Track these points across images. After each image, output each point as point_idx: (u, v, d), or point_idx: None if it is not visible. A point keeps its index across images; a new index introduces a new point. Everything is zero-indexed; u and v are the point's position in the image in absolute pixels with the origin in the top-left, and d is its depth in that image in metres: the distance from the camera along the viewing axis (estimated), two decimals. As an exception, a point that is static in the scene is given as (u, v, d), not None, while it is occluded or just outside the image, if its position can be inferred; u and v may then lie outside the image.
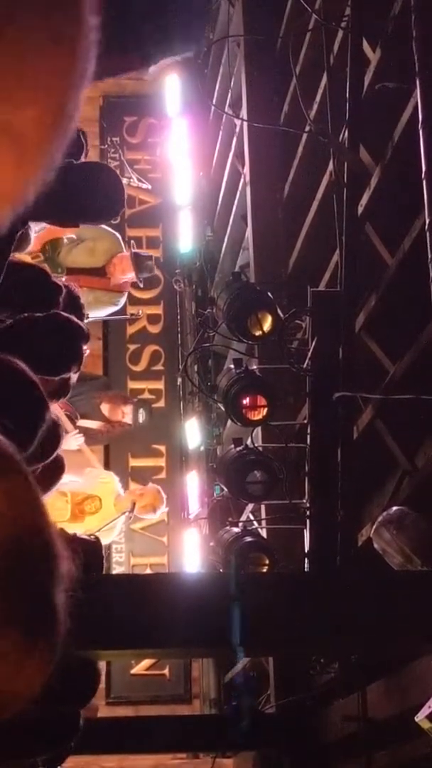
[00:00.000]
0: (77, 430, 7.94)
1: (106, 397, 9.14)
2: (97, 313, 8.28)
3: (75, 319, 3.97)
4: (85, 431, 8.17)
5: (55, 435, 3.77)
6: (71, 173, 3.77)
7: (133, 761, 8.86)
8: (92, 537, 4.37)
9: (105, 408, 9.00)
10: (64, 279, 5.38)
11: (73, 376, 4.24)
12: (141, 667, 9.58)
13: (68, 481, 6.59)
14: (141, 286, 8.94)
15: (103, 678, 9.16)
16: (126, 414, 9.06)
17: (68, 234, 7.82)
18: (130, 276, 8.45)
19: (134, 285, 8.76)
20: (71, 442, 7.80)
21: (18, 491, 1.09)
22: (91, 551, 4.20)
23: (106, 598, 3.80)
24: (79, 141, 4.50)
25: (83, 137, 4.90)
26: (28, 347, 3.51)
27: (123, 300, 8.63)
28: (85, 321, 4.52)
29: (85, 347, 4.07)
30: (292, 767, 6.48)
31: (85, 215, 4.34)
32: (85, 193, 4.04)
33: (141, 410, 9.26)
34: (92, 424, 8.68)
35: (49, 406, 3.30)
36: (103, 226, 8.30)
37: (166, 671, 9.67)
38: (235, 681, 6.49)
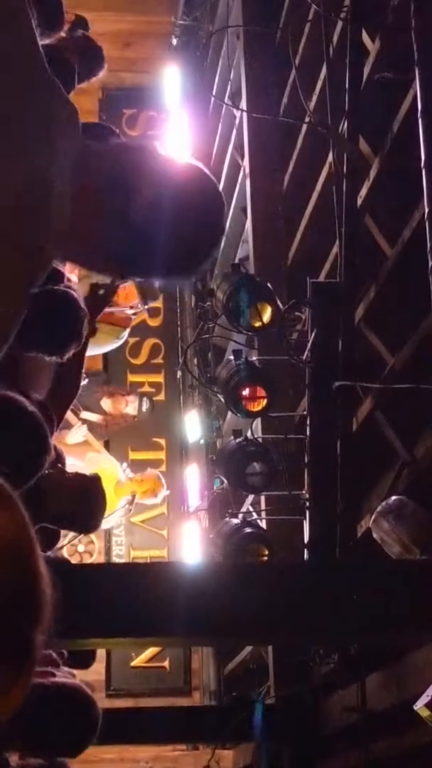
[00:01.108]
0: (81, 422, 7.95)
1: (107, 392, 9.15)
2: (99, 347, 8.23)
3: (73, 293, 3.92)
4: (87, 424, 8.18)
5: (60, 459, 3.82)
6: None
7: (133, 753, 8.89)
8: (91, 474, 4.37)
9: (106, 403, 9.00)
10: None
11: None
12: (141, 659, 9.60)
13: (70, 465, 6.59)
14: (146, 312, 8.88)
15: (103, 670, 9.22)
16: (129, 404, 9.07)
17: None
18: (134, 303, 8.42)
19: (136, 314, 8.71)
20: (77, 434, 7.82)
21: (7, 531, 1.13)
22: (89, 487, 4.21)
23: (106, 587, 3.80)
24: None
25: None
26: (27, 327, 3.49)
27: (126, 334, 8.60)
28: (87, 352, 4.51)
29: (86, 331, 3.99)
30: (292, 758, 6.49)
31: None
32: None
33: (145, 399, 9.27)
34: (94, 416, 8.69)
35: (50, 444, 3.30)
36: None
37: (166, 663, 9.69)
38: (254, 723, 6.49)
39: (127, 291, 8.14)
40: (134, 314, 8.45)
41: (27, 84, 1.86)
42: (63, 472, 4.20)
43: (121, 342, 8.24)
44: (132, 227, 1.92)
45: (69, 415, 7.64)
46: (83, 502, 4.15)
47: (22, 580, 1.13)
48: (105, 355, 10.44)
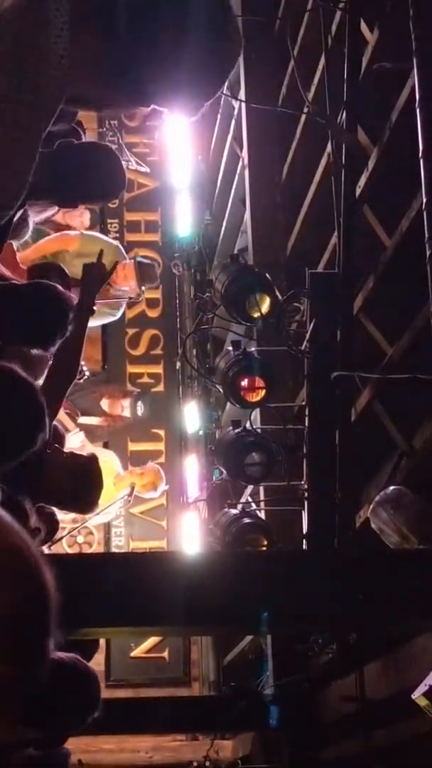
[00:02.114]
0: (78, 429, 7.96)
1: (106, 392, 9.16)
2: (95, 320, 8.22)
3: (60, 288, 3.95)
4: (85, 429, 8.19)
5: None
6: (72, 153, 3.76)
7: (133, 743, 8.91)
8: (89, 454, 4.40)
9: (104, 403, 9.02)
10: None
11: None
12: (140, 650, 9.62)
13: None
14: (140, 297, 8.87)
15: (103, 660, 9.24)
16: (125, 408, 9.08)
17: (72, 248, 7.78)
18: (132, 285, 8.40)
19: (132, 298, 8.68)
20: (73, 440, 7.84)
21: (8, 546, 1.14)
22: (86, 467, 4.24)
23: (106, 577, 3.81)
24: (77, 131, 4.48)
25: (81, 127, 4.89)
26: (14, 319, 3.51)
27: (121, 311, 8.58)
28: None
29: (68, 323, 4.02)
30: (291, 747, 6.51)
31: (85, 195, 4.33)
32: (86, 173, 4.03)
33: (140, 402, 9.27)
34: (93, 420, 8.70)
35: (45, 414, 3.30)
36: (107, 238, 8.29)
37: (165, 654, 9.71)
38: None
39: (126, 271, 8.14)
40: (133, 300, 8.44)
41: None
42: (60, 452, 4.22)
43: (116, 318, 8.23)
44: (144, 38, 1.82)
45: (66, 420, 7.67)
46: (80, 480, 4.18)
47: (32, 592, 1.14)
48: (104, 346, 10.46)
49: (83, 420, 8.29)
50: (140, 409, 9.17)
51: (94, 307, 4.57)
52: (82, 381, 5.56)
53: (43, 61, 1.70)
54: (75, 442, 7.78)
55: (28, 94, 1.71)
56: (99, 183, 4.23)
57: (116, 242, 8.53)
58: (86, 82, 1.84)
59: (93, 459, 4.40)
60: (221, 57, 1.97)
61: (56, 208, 4.96)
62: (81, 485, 4.25)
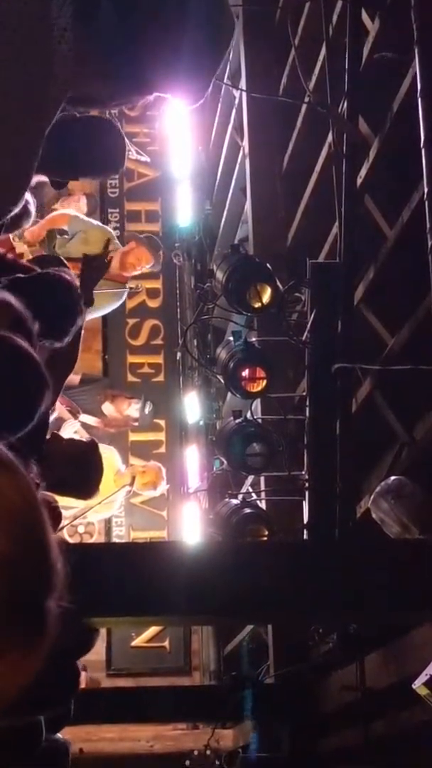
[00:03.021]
0: (73, 419, 7.98)
1: (110, 396, 9.18)
2: (100, 307, 8.22)
3: (66, 276, 3.93)
4: (84, 427, 8.20)
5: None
6: (74, 127, 3.73)
7: (134, 732, 8.93)
8: (87, 439, 4.41)
9: (108, 407, 9.03)
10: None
11: (74, 377, 4.25)
12: (141, 639, 9.64)
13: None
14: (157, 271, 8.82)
15: (103, 650, 9.26)
16: (132, 405, 9.10)
17: (60, 227, 7.79)
18: (149, 266, 8.39)
19: (133, 288, 8.66)
20: (69, 430, 7.85)
21: (13, 496, 1.13)
22: (86, 452, 4.24)
23: (107, 567, 3.82)
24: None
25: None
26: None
27: (125, 294, 8.56)
28: (88, 317, 4.52)
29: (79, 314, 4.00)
30: (291, 737, 6.52)
31: (87, 169, 4.29)
32: (88, 146, 3.99)
33: (148, 402, 9.29)
34: (92, 420, 8.71)
35: (48, 384, 3.28)
36: (92, 220, 8.29)
37: (166, 643, 9.72)
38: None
39: (138, 253, 8.12)
40: (134, 290, 8.42)
41: None
42: (59, 438, 4.22)
43: (121, 302, 8.22)
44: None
45: (65, 413, 7.69)
46: (80, 466, 4.18)
47: (32, 544, 1.12)
48: (104, 336, 10.46)
49: (83, 418, 8.31)
50: (148, 408, 9.19)
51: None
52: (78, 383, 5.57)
53: (48, 64, 1.70)
54: (69, 432, 7.79)
55: (33, 98, 1.70)
56: (100, 156, 4.20)
57: (103, 225, 8.54)
58: (89, 79, 1.84)
59: (93, 445, 4.41)
60: (215, 35, 1.97)
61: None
62: (81, 471, 4.25)
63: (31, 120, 1.73)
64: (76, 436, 7.86)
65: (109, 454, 8.27)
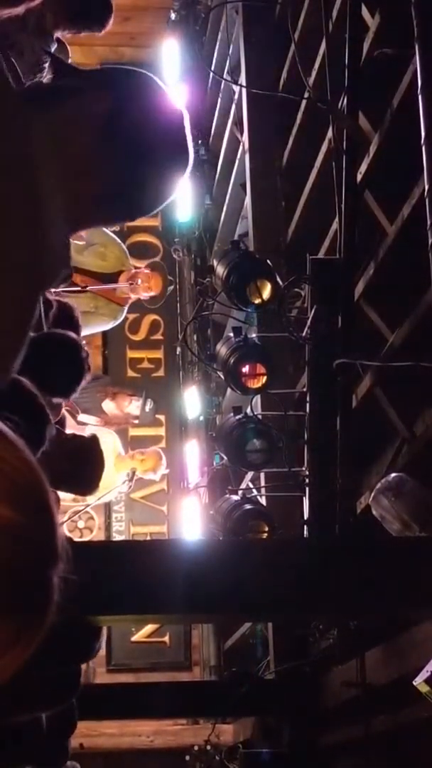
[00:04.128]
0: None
1: (111, 393, 9.17)
2: (93, 326, 8.21)
3: (73, 336, 3.94)
4: (84, 427, 8.20)
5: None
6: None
7: (134, 727, 8.95)
8: (89, 435, 4.39)
9: (109, 404, 9.03)
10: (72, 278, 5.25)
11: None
12: (141, 634, 9.65)
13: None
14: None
15: (104, 645, 9.26)
16: (133, 402, 9.09)
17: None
18: (152, 294, 8.41)
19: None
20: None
21: (17, 464, 1.12)
22: (87, 447, 4.23)
23: (107, 564, 3.82)
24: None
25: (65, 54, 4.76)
26: (29, 370, 3.51)
27: (123, 315, 8.57)
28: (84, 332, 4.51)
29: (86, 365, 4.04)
30: (292, 733, 6.53)
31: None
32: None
33: (149, 400, 9.29)
34: (92, 419, 8.71)
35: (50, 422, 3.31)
36: (113, 235, 8.27)
37: (166, 638, 9.74)
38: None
39: (152, 282, 8.09)
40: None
41: None
42: (61, 433, 4.21)
43: (117, 322, 8.22)
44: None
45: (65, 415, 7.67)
46: (82, 461, 4.17)
47: (36, 512, 1.10)
48: (104, 332, 10.45)
49: (82, 418, 8.30)
50: (149, 405, 9.19)
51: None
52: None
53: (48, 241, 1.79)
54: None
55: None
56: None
57: (120, 241, 8.55)
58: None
59: (94, 439, 4.40)
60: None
61: None
62: (82, 465, 4.24)
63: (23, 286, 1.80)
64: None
65: (109, 438, 8.28)
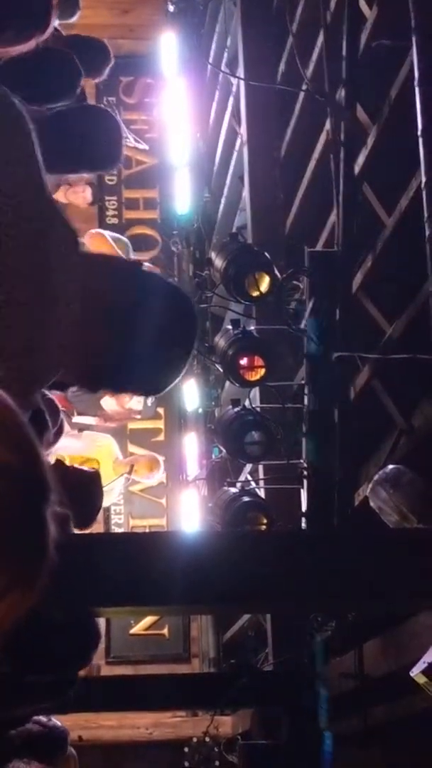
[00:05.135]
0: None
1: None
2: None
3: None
4: (79, 428, 8.20)
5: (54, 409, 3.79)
6: (71, 119, 3.70)
7: (133, 719, 8.96)
8: (90, 469, 4.35)
9: (109, 401, 9.02)
10: None
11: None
12: (140, 627, 9.66)
13: (66, 444, 6.60)
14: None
15: (103, 638, 9.27)
16: (133, 399, 9.09)
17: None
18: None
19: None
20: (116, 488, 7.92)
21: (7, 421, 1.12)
22: (87, 483, 4.19)
23: (105, 556, 3.82)
24: (77, 73, 4.34)
25: (83, 93, 4.80)
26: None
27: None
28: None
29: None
30: (290, 724, 6.53)
31: (86, 162, 4.24)
32: (86, 138, 3.95)
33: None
34: (89, 420, 8.70)
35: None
36: (118, 250, 8.27)
37: (165, 631, 9.75)
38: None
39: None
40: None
41: (30, 211, 1.91)
42: (61, 464, 4.18)
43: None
44: (120, 348, 2.04)
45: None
46: (80, 496, 4.10)
47: (25, 452, 1.11)
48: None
49: (77, 419, 8.29)
50: (151, 400, 9.19)
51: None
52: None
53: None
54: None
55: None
56: (101, 149, 4.14)
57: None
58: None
59: (94, 475, 4.35)
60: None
61: None
62: (80, 501, 4.18)
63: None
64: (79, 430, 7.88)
65: (107, 443, 8.28)
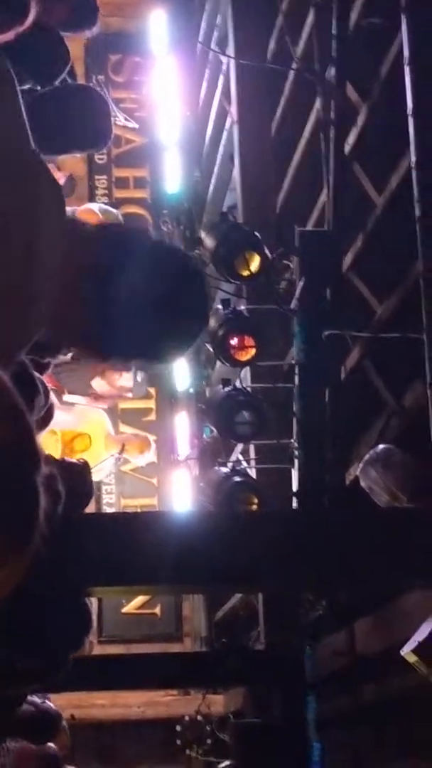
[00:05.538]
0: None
1: (100, 370, 9.12)
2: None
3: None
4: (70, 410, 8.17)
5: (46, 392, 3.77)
6: (58, 98, 3.68)
7: (125, 698, 8.99)
8: (80, 461, 4.35)
9: (99, 382, 8.99)
10: None
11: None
12: (132, 606, 9.67)
13: (58, 419, 6.57)
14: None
15: (95, 617, 9.29)
16: (124, 375, 9.06)
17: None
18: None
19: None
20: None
21: None
22: (78, 475, 4.18)
23: (97, 536, 3.83)
24: (66, 55, 4.31)
25: (72, 77, 4.78)
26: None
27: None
28: None
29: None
30: (283, 703, 6.56)
31: (75, 143, 4.21)
32: (73, 118, 3.93)
33: (139, 372, 9.25)
34: (79, 399, 8.67)
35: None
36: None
37: (157, 610, 9.77)
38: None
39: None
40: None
41: (12, 165, 1.87)
42: (50, 458, 4.16)
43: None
44: (112, 315, 1.95)
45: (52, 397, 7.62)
46: (71, 490, 4.09)
47: (12, 422, 1.10)
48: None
49: (68, 398, 8.26)
50: (140, 375, 9.15)
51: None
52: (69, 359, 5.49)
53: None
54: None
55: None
56: (88, 129, 4.12)
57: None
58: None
59: (85, 467, 4.33)
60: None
61: None
62: (69, 494, 4.16)
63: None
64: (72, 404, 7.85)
65: (99, 418, 8.25)
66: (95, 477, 8.43)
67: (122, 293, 1.94)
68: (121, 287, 1.94)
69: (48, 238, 1.89)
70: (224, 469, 6.13)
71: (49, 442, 7.40)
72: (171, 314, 2.01)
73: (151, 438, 8.46)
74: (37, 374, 3.42)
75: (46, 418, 4.01)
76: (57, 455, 7.32)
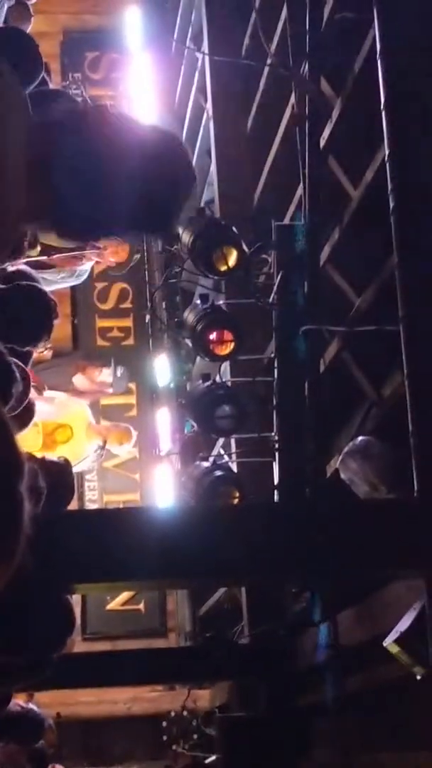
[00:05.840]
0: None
1: (80, 367, 9.13)
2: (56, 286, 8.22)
3: (42, 288, 3.95)
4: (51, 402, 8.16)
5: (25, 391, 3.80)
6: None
7: (111, 694, 9.00)
8: (61, 459, 4.36)
9: (80, 378, 8.99)
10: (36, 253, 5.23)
11: (47, 352, 4.19)
12: (116, 602, 9.69)
13: (39, 409, 6.56)
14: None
15: (79, 614, 9.30)
16: (104, 371, 9.06)
17: None
18: (118, 260, 8.42)
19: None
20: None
21: None
22: (59, 473, 4.19)
23: (80, 533, 3.84)
24: (44, 80, 4.37)
25: (47, 74, 4.79)
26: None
27: (86, 273, 8.58)
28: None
29: (54, 319, 4.07)
30: (269, 696, 6.58)
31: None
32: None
33: (119, 366, 9.26)
34: (60, 395, 8.66)
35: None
36: None
37: (141, 606, 9.78)
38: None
39: (118, 247, 8.07)
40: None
41: None
42: (32, 457, 4.17)
43: (79, 281, 8.19)
44: (88, 194, 1.92)
45: (32, 393, 7.62)
46: (53, 489, 4.09)
47: None
48: (73, 300, 10.43)
49: (49, 394, 8.26)
50: (120, 371, 9.16)
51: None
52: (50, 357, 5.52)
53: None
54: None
55: None
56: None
57: None
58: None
59: (65, 464, 4.34)
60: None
61: None
62: (51, 493, 4.17)
63: None
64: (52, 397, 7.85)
65: (80, 408, 8.25)
66: (77, 468, 8.47)
67: (90, 173, 1.92)
68: (88, 166, 1.92)
69: (13, 134, 1.87)
70: (205, 464, 6.14)
71: (30, 434, 7.39)
72: (145, 178, 1.99)
73: (132, 429, 8.45)
74: (15, 360, 3.45)
75: (27, 417, 4.03)
76: (38, 446, 7.35)
